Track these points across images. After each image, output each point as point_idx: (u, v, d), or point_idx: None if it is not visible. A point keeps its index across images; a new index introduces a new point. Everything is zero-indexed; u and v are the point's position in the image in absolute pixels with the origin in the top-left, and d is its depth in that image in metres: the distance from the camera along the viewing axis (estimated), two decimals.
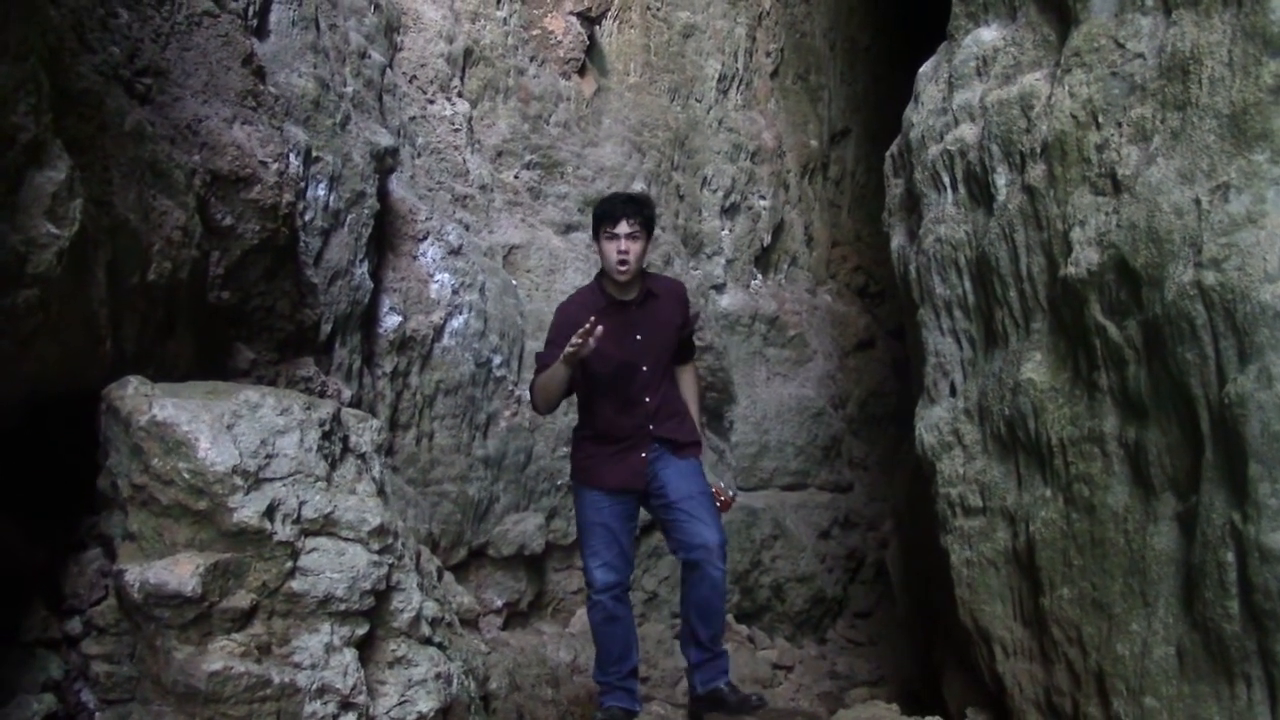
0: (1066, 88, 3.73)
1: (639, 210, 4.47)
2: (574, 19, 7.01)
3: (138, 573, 2.89)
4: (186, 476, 2.96)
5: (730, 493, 4.73)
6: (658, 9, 7.69)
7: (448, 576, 4.74)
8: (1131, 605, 3.41)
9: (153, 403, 3.05)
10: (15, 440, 3.22)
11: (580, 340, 4.10)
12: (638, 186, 7.30)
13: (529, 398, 4.60)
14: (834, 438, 8.45)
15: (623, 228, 4.38)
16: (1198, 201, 3.19)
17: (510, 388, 6.12)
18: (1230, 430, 3.03)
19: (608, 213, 4.46)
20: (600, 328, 4.14)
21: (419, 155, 6.12)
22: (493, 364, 6.01)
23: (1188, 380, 3.18)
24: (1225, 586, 3.05)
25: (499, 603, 6.03)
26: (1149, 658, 3.31)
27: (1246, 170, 3.11)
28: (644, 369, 4.50)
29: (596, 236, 4.52)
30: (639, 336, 4.49)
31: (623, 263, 4.39)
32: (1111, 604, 3.47)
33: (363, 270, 5.22)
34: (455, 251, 5.89)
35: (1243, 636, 3.02)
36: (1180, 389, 3.22)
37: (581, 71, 7.13)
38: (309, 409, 3.29)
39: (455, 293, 5.83)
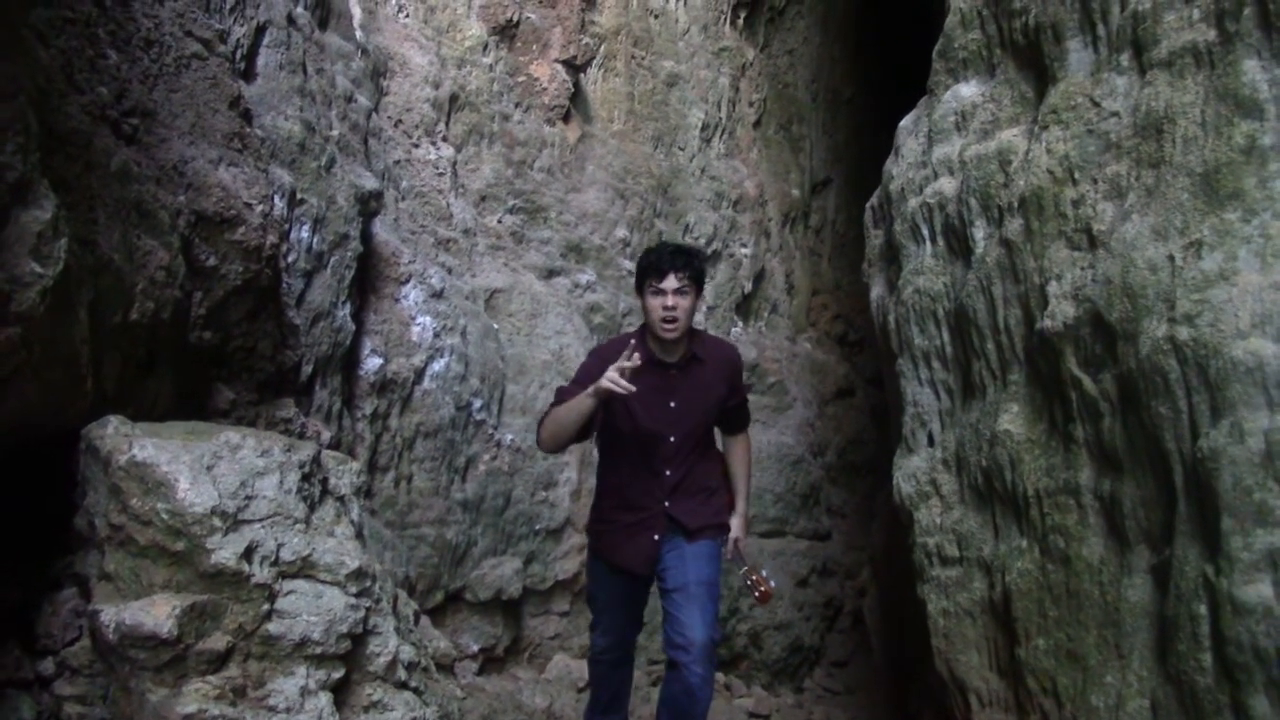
0: (1044, 144, 3.80)
1: (689, 263, 4.10)
2: (560, 66, 7.09)
3: (113, 613, 2.88)
4: (165, 517, 2.96)
5: (771, 583, 4.38)
6: (642, 58, 7.78)
7: (424, 620, 4.72)
8: (1106, 657, 3.43)
9: (133, 443, 3.06)
10: None
11: (620, 370, 3.77)
12: (620, 233, 7.36)
13: (536, 432, 4.30)
14: (812, 485, 8.47)
15: (670, 282, 4.03)
16: (1171, 258, 3.25)
17: (490, 431, 6.13)
18: (1203, 484, 3.08)
19: (654, 265, 4.11)
20: (638, 357, 3.85)
21: (403, 198, 6.16)
22: (473, 408, 6.02)
23: (1161, 434, 3.22)
24: (1198, 639, 3.08)
25: (475, 648, 6.00)
26: (1123, 710, 3.33)
27: (1219, 228, 3.18)
28: (670, 439, 4.17)
29: (640, 290, 4.16)
30: (672, 404, 4.16)
31: (669, 320, 4.04)
32: (1086, 655, 3.49)
33: (345, 312, 5.24)
34: (437, 295, 5.92)
35: (1215, 690, 3.04)
36: (1154, 442, 3.27)
37: (566, 118, 7.20)
38: (289, 451, 3.30)
39: (437, 336, 5.84)
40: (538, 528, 6.33)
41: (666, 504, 4.19)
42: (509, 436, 6.22)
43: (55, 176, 3.25)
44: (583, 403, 3.94)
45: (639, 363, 3.82)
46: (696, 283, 4.13)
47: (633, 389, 3.81)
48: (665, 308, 4.04)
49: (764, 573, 4.41)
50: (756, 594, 4.32)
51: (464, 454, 5.99)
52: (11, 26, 3.04)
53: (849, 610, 8.19)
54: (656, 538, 4.19)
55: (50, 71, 3.40)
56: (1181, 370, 3.15)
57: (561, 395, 4.16)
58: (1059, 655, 3.60)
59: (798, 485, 8.31)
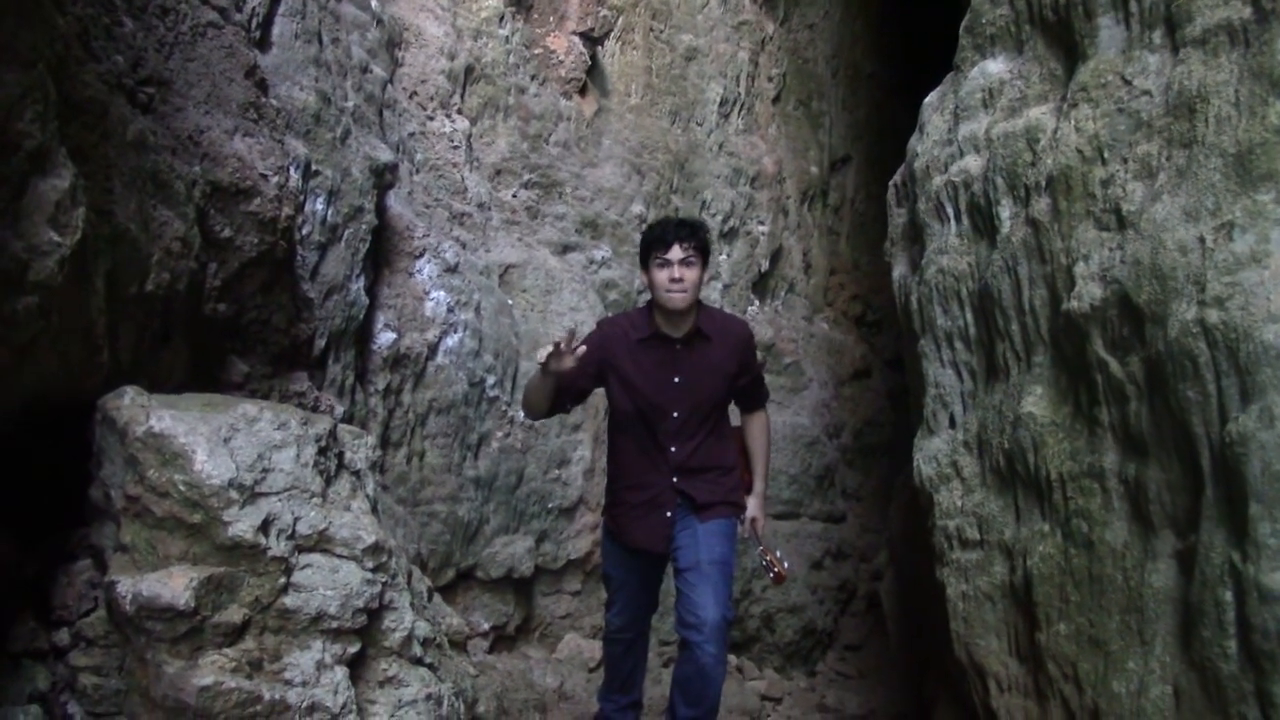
0: (1073, 122, 3.79)
1: (693, 234, 4.16)
2: (577, 39, 7.08)
3: (130, 584, 2.91)
4: (182, 489, 2.99)
5: (786, 564, 4.41)
6: (661, 31, 7.77)
7: (437, 597, 4.75)
8: (1128, 643, 3.45)
9: (150, 413, 3.08)
10: (7, 449, 3.24)
11: (556, 348, 3.90)
12: (636, 209, 7.36)
13: (590, 463, 4.54)
14: (828, 467, 8.49)
15: (675, 253, 4.09)
16: (1202, 239, 3.25)
17: (503, 408, 6.15)
18: (1231, 469, 3.08)
19: (659, 237, 4.17)
20: (582, 347, 3.97)
21: (417, 172, 6.17)
22: (486, 384, 6.04)
23: (1189, 418, 3.23)
24: (1223, 626, 3.09)
25: (485, 626, 6.03)
26: (1145, 696, 3.35)
27: (1251, 210, 3.17)
28: (674, 415, 4.20)
29: (645, 264, 4.22)
30: (676, 379, 4.20)
31: (677, 290, 4.09)
32: (1108, 641, 3.51)
33: (358, 286, 5.26)
34: (451, 269, 5.93)
35: (1240, 677, 3.05)
36: (1181, 427, 3.27)
37: (583, 92, 7.20)
38: (306, 424, 3.32)
39: (450, 311, 5.86)
40: (550, 506, 6.36)
41: (675, 480, 4.22)
42: (522, 414, 6.24)
43: (72, 145, 3.27)
44: (535, 377, 4.10)
45: (580, 350, 3.93)
46: (702, 254, 4.19)
47: (577, 352, 3.93)
48: (672, 279, 4.10)
49: (779, 553, 4.40)
50: (771, 574, 4.34)
51: (477, 430, 6.02)
52: None
53: (863, 594, 8.22)
54: (669, 515, 4.22)
55: (68, 39, 3.41)
56: (1211, 353, 3.14)
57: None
58: (1080, 641, 3.62)
59: (813, 467, 8.33)
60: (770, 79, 8.83)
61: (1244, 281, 3.11)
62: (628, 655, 4.53)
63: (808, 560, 7.98)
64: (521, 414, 5.31)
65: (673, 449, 4.22)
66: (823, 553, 8.14)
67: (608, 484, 4.50)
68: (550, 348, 3.92)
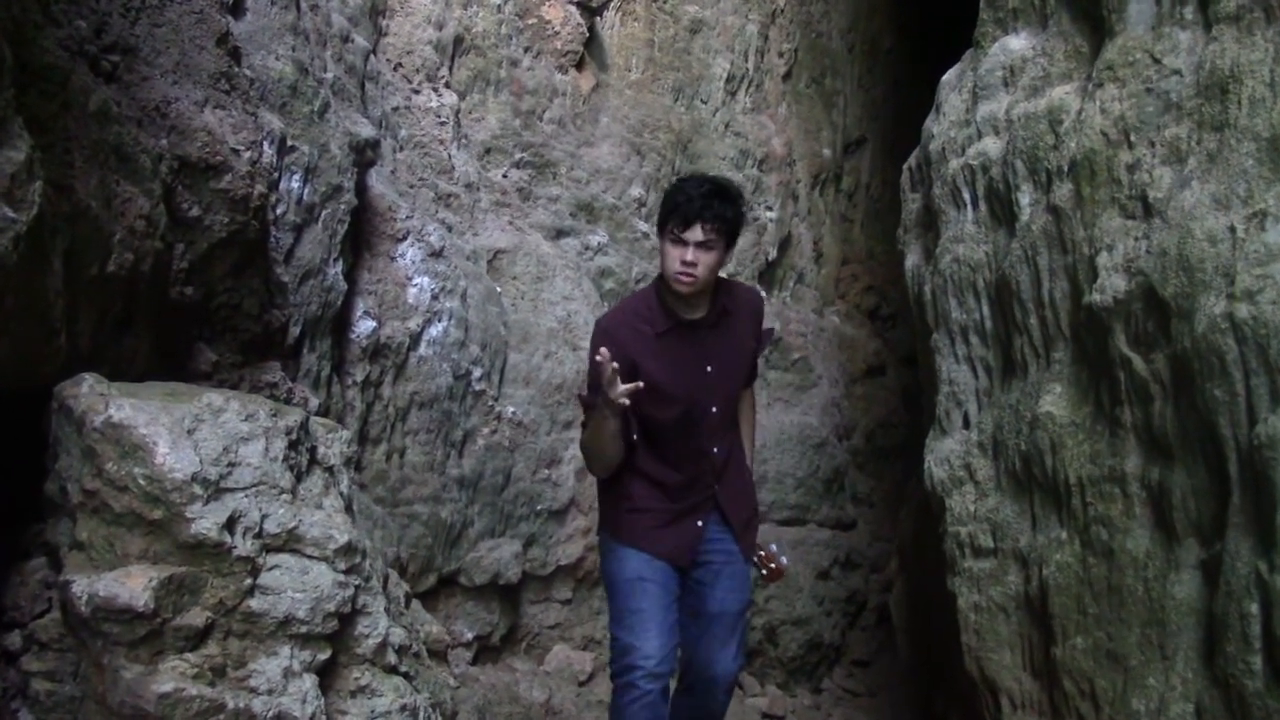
0: (1098, 103, 3.81)
1: (721, 213, 3.77)
2: (574, 9, 7.10)
3: (85, 584, 2.93)
4: (142, 483, 3.02)
5: (782, 559, 4.27)
6: (664, 2, 7.79)
7: (415, 603, 4.78)
8: (1149, 658, 3.47)
9: (109, 403, 3.11)
10: None
11: (611, 383, 3.55)
12: (635, 191, 7.38)
13: (586, 464, 4.15)
14: (837, 471, 8.51)
15: (695, 233, 3.73)
16: (1232, 229, 3.27)
17: (490, 403, 6.18)
18: (1259, 474, 3.10)
19: (679, 209, 3.76)
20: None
21: (401, 149, 6.19)
22: (472, 377, 6.06)
23: (1216, 419, 3.25)
24: (1248, 640, 3.11)
25: (469, 635, 6.06)
26: (1165, 714, 3.37)
27: None
28: (713, 410, 3.93)
29: (661, 232, 3.84)
30: (710, 368, 3.91)
31: (685, 275, 3.76)
32: (1128, 656, 3.53)
33: (336, 270, 5.28)
34: (436, 254, 5.95)
35: (1265, 694, 3.08)
36: (1208, 428, 3.29)
37: (579, 65, 7.21)
38: (275, 416, 3.35)
39: (435, 298, 5.88)
40: (539, 508, 6.39)
41: (716, 486, 4.00)
42: (510, 409, 6.27)
43: (29, 115, 3.28)
44: (608, 426, 3.73)
45: (607, 359, 3.55)
46: (729, 235, 3.83)
47: (639, 386, 3.62)
48: (684, 261, 3.73)
49: (773, 547, 4.26)
50: (764, 571, 4.21)
51: (461, 427, 6.04)
52: None
53: (873, 606, 8.25)
54: (700, 524, 3.98)
55: (25, 1, 3.44)
56: (1240, 350, 3.17)
57: (586, 410, 3.95)
58: (1098, 655, 3.64)
59: (821, 470, 8.35)
60: (781, 54, 8.85)
61: (1276, 274, 3.14)
62: (661, 708, 3.87)
63: (814, 569, 8.01)
64: (586, 470, 4.78)
65: (715, 449, 3.98)
66: (831, 561, 8.16)
67: (619, 488, 4.05)
68: (619, 387, 3.58)
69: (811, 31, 9.18)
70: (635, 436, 3.87)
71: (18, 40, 3.27)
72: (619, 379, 3.60)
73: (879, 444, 9.03)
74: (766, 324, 4.36)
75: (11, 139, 3.08)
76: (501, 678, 5.98)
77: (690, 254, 3.74)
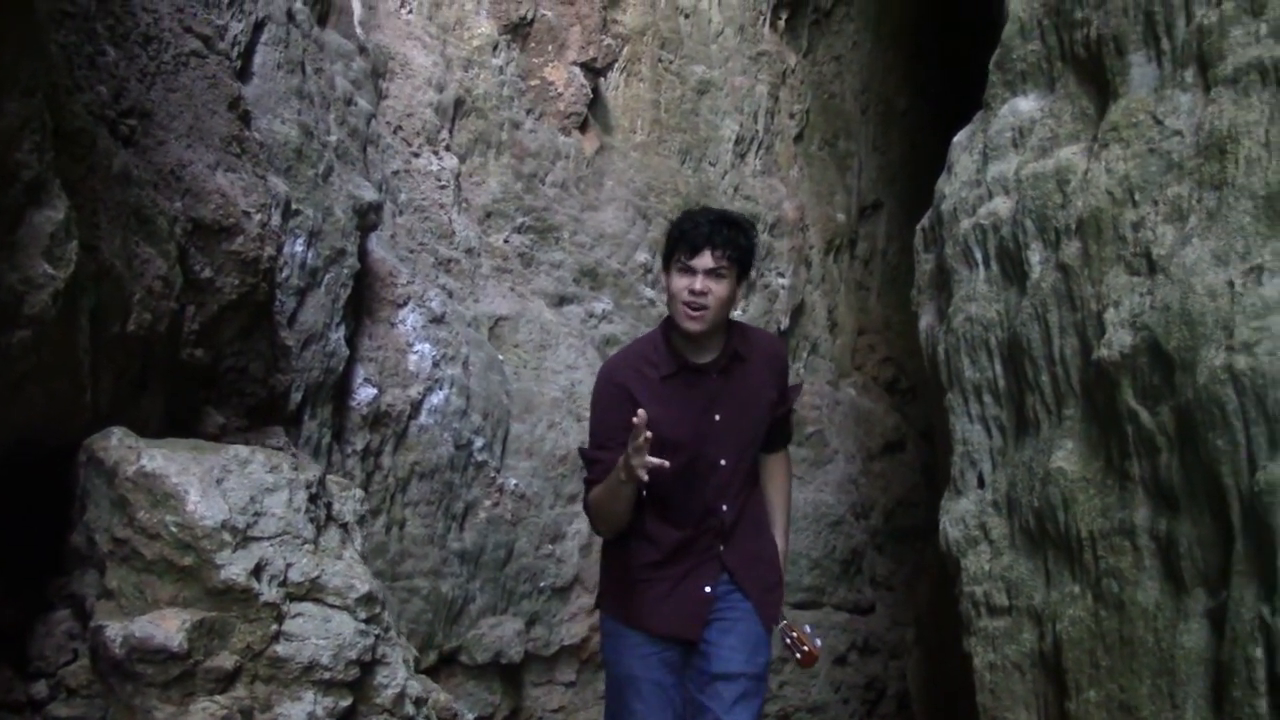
0: (1103, 163, 4.30)
1: (732, 239, 3.81)
2: (577, 70, 7.60)
3: (120, 628, 3.34)
4: (174, 530, 3.44)
5: (817, 643, 4.20)
6: (670, 62, 8.29)
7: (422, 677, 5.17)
8: (1159, 708, 3.87)
9: (141, 454, 3.54)
10: None
11: (638, 451, 3.52)
12: (641, 256, 7.83)
13: (590, 522, 4.16)
14: (854, 551, 8.89)
15: (704, 260, 3.76)
16: (1231, 284, 3.72)
17: (492, 474, 6.58)
18: (1260, 520, 3.52)
19: (685, 236, 3.82)
20: (643, 415, 3.51)
21: (401, 213, 6.66)
22: (474, 447, 6.47)
23: (1219, 468, 3.68)
24: (1254, 684, 3.51)
25: (470, 717, 6.39)
26: None
27: None
28: (722, 464, 3.93)
29: (666, 265, 3.91)
30: (718, 417, 3.92)
31: (695, 308, 3.76)
32: (1139, 707, 3.93)
33: (339, 335, 5.72)
34: (437, 320, 6.39)
35: None
36: (1212, 478, 3.72)
37: (583, 127, 7.70)
38: (296, 470, 3.78)
39: (436, 365, 6.31)
40: (543, 585, 6.77)
41: (723, 548, 3.99)
42: (513, 481, 6.67)
43: (61, 178, 3.75)
44: (621, 491, 3.72)
45: (642, 424, 3.51)
46: (740, 265, 3.85)
47: (665, 464, 3.58)
48: (692, 291, 3.75)
49: (807, 629, 4.20)
50: (799, 654, 4.16)
51: (463, 499, 6.44)
52: (31, 19, 3.54)
53: (893, 693, 8.60)
54: (708, 590, 3.96)
55: (58, 68, 3.92)
56: (1239, 401, 3.60)
57: (590, 469, 3.95)
58: (1111, 708, 4.04)
59: (837, 550, 8.73)
60: (792, 115, 9.35)
61: (1273, 326, 3.59)
62: None
63: (831, 654, 8.37)
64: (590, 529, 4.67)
65: (724, 507, 3.96)
66: (848, 646, 8.53)
67: (615, 561, 4.13)
68: (639, 452, 3.54)
69: (824, 92, 9.69)
70: (643, 493, 3.85)
71: (52, 105, 3.75)
72: (646, 446, 3.54)
73: (899, 524, 9.40)
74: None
75: (51, 199, 3.54)
76: None
77: (700, 283, 3.76)
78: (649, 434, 3.52)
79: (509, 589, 6.66)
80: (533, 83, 7.46)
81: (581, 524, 6.91)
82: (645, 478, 3.58)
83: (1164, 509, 3.96)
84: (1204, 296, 3.79)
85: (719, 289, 3.79)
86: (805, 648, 4.14)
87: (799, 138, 9.42)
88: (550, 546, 6.84)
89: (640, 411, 3.54)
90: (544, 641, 6.79)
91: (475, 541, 6.47)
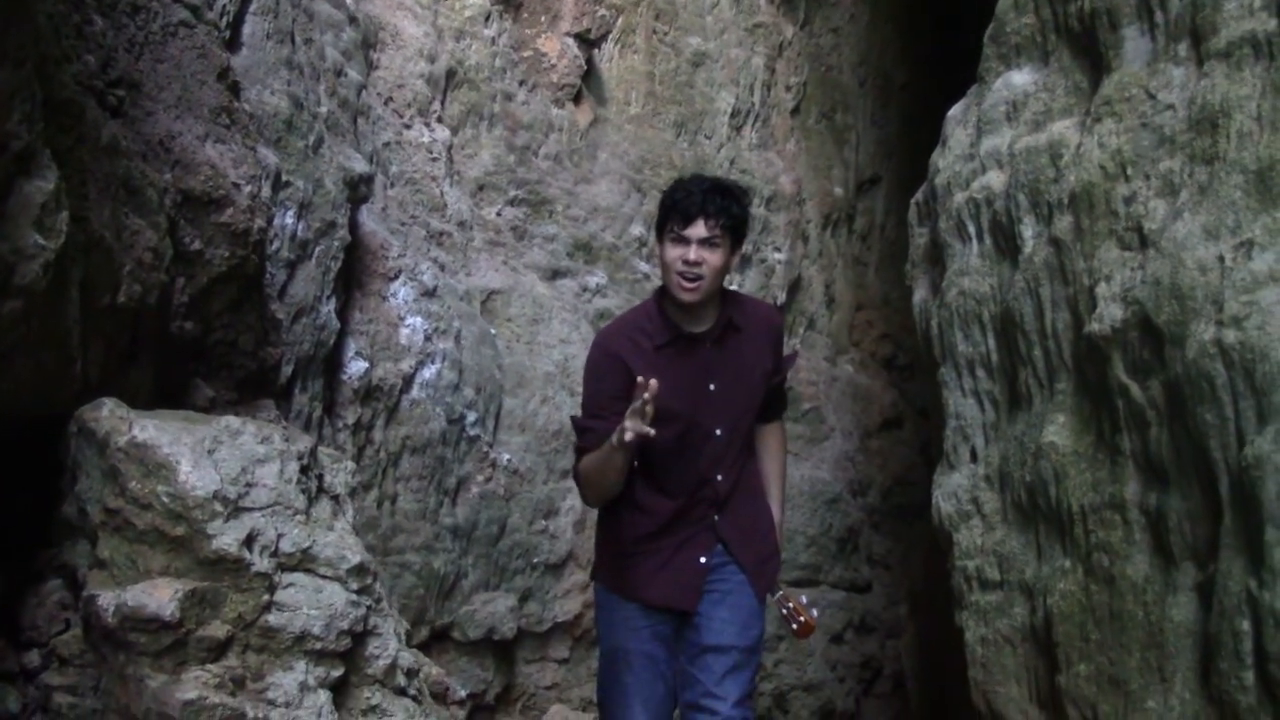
0: (1096, 137, 4.37)
1: (725, 207, 3.88)
2: (571, 41, 7.66)
3: (112, 597, 3.43)
4: (165, 500, 3.52)
5: (813, 613, 4.25)
6: (665, 34, 8.36)
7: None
8: (1148, 681, 3.97)
9: (133, 424, 3.62)
10: None
11: (638, 413, 3.59)
12: (636, 230, 7.91)
13: (579, 490, 4.21)
14: (851, 529, 8.99)
15: (698, 229, 3.84)
16: (1221, 258, 3.81)
17: (484, 449, 6.66)
18: (1248, 494, 3.61)
19: (678, 206, 3.89)
20: (655, 385, 3.58)
21: (392, 185, 6.72)
22: (466, 421, 6.56)
23: (1207, 443, 3.77)
24: (1240, 656, 3.61)
25: (462, 693, 6.48)
26: None
27: (1271, 227, 3.73)
28: (717, 433, 4.01)
29: (660, 235, 3.97)
30: (713, 386, 4.00)
31: (690, 278, 3.86)
32: (1128, 680, 4.03)
33: (329, 308, 5.79)
34: (429, 294, 6.46)
35: (1257, 709, 3.57)
36: (1200, 452, 3.81)
37: (577, 99, 7.76)
38: (288, 441, 3.86)
39: (428, 339, 6.38)
40: (535, 561, 6.86)
41: (717, 518, 4.06)
42: (506, 456, 6.76)
43: (51, 148, 3.82)
44: (613, 459, 3.79)
45: (653, 395, 3.59)
46: (733, 234, 3.92)
47: (651, 432, 3.64)
48: (686, 261, 3.84)
49: (803, 599, 4.26)
50: (795, 625, 4.21)
51: (455, 474, 6.52)
52: None
53: (889, 673, 8.71)
54: (703, 561, 4.04)
55: (46, 38, 3.98)
56: (1228, 375, 3.69)
57: (582, 437, 4.02)
58: (1100, 681, 4.14)
59: (834, 528, 8.83)
60: (789, 88, 9.42)
61: (1262, 300, 3.67)
62: None
63: (827, 633, 8.48)
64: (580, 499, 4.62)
65: (719, 477, 4.04)
66: (844, 625, 8.64)
67: (607, 533, 4.23)
68: (640, 415, 3.61)
69: (821, 65, 9.75)
70: (635, 463, 3.95)
71: (41, 76, 3.81)
72: (646, 411, 3.62)
73: (896, 502, 9.50)
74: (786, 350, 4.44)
75: (41, 170, 3.61)
76: None
77: (693, 252, 3.84)
78: (650, 397, 3.59)
79: (502, 565, 6.74)
80: (525, 54, 7.53)
81: (575, 500, 6.98)
82: (629, 437, 3.64)
83: (1154, 483, 4.04)
84: (1194, 271, 3.87)
85: (713, 258, 3.86)
86: (802, 618, 4.19)
87: (796, 111, 9.49)
88: (543, 522, 6.93)
89: (652, 382, 3.60)
90: (537, 618, 6.88)
91: (468, 517, 6.55)
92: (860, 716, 8.63)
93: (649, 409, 3.60)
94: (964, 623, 4.77)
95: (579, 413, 4.15)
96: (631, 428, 3.62)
